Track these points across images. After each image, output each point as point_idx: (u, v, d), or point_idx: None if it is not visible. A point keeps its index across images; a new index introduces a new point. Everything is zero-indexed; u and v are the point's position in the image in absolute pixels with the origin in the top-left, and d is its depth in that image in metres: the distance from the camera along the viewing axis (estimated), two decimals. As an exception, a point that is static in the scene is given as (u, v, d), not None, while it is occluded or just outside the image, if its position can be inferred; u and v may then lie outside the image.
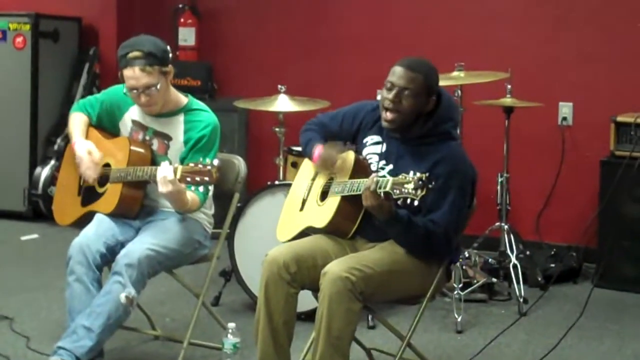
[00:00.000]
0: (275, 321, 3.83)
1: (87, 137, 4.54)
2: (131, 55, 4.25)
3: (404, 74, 3.86)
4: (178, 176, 3.95)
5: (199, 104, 4.51)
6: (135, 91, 4.29)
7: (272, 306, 3.83)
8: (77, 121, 4.58)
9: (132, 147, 4.37)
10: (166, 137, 4.43)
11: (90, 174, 4.41)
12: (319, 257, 3.89)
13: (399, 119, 3.89)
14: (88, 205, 4.47)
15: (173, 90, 4.46)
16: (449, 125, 3.94)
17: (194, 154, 4.31)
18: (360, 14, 7.25)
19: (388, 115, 3.90)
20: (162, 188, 4.05)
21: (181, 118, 4.43)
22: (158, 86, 4.28)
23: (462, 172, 3.86)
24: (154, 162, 4.37)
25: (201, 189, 4.23)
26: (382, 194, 3.57)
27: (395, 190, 3.52)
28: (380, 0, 7.20)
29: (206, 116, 4.44)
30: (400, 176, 3.54)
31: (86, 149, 4.42)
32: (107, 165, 4.44)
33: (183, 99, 4.48)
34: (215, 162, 3.91)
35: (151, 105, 4.36)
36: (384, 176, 3.74)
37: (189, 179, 3.92)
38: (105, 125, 4.60)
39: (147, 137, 4.46)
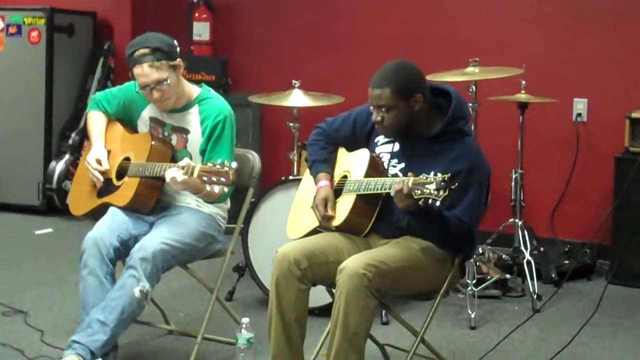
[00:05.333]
0: (287, 318, 3.84)
1: (109, 132, 4.59)
2: (138, 53, 4.28)
3: (373, 94, 3.86)
4: (195, 174, 3.96)
5: (210, 92, 4.52)
6: (147, 88, 4.31)
7: (284, 303, 3.83)
8: (96, 122, 4.61)
9: (154, 143, 4.38)
10: (184, 131, 4.44)
11: (95, 181, 4.48)
12: (331, 253, 3.89)
13: (391, 131, 3.92)
14: (103, 197, 4.47)
15: (186, 83, 4.48)
16: (461, 124, 3.92)
17: (212, 145, 4.35)
18: (375, 10, 7.24)
19: (381, 131, 3.96)
20: (174, 187, 4.15)
21: (195, 109, 4.45)
22: (169, 80, 4.29)
23: (481, 167, 3.86)
24: (175, 157, 4.39)
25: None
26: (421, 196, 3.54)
27: (416, 191, 3.50)
28: (395, -5, 7.22)
29: (219, 104, 4.45)
30: (421, 176, 3.52)
31: (95, 157, 4.48)
32: (127, 159, 4.46)
33: (195, 91, 4.49)
34: (234, 164, 3.92)
35: (164, 101, 4.36)
36: (405, 177, 3.72)
37: (205, 178, 3.93)
38: (123, 120, 4.62)
39: (166, 133, 4.47)
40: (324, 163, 4.18)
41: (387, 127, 3.88)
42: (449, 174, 3.48)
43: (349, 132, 4.16)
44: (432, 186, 3.46)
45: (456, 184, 3.48)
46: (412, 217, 3.79)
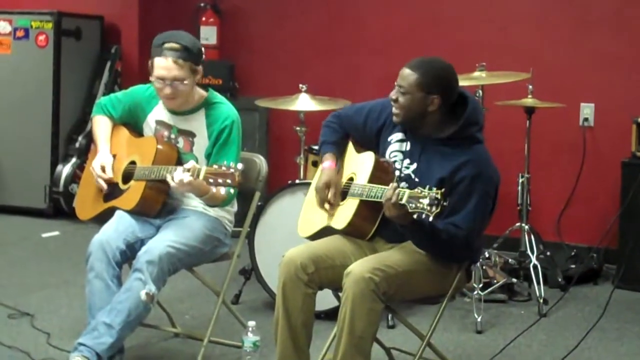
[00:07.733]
0: (293, 322, 3.84)
1: (115, 136, 4.59)
2: (168, 45, 4.28)
3: (402, 73, 3.89)
4: (201, 177, 3.97)
5: (217, 96, 4.52)
6: (161, 81, 4.30)
7: (290, 307, 3.84)
8: (101, 127, 4.61)
9: (159, 146, 4.38)
10: (190, 135, 4.44)
11: (99, 186, 4.49)
12: (337, 257, 3.90)
13: (399, 114, 3.91)
14: (110, 201, 4.48)
15: (196, 88, 4.48)
16: (475, 130, 3.91)
17: (218, 149, 4.36)
18: (382, 14, 7.24)
19: (394, 109, 3.94)
20: (180, 189, 4.15)
21: (202, 113, 4.45)
22: (185, 82, 4.29)
23: (487, 176, 3.84)
24: (180, 160, 4.39)
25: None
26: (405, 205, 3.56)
27: (410, 204, 3.51)
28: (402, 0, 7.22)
29: (226, 109, 4.45)
30: (417, 189, 3.53)
31: (100, 164, 4.48)
32: (133, 162, 4.46)
33: (203, 95, 4.49)
34: (240, 166, 3.93)
35: (174, 99, 4.36)
36: (405, 186, 3.73)
37: (211, 180, 3.93)
38: (128, 124, 4.62)
39: (172, 136, 4.47)
40: (332, 145, 4.19)
41: (398, 107, 3.89)
42: (443, 190, 3.49)
43: (361, 123, 4.16)
44: (426, 201, 3.47)
45: (447, 201, 3.49)
46: (405, 232, 3.80)
